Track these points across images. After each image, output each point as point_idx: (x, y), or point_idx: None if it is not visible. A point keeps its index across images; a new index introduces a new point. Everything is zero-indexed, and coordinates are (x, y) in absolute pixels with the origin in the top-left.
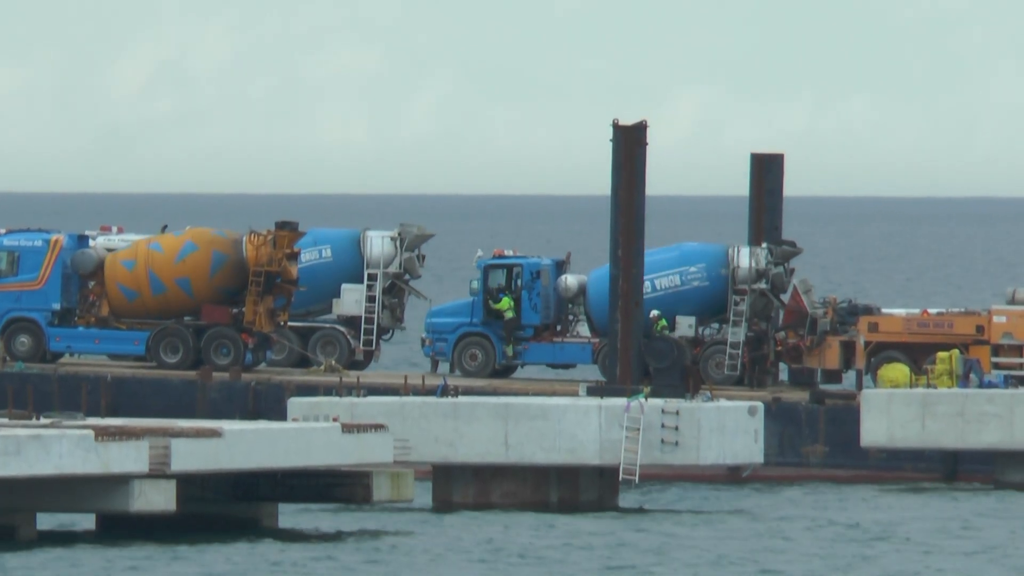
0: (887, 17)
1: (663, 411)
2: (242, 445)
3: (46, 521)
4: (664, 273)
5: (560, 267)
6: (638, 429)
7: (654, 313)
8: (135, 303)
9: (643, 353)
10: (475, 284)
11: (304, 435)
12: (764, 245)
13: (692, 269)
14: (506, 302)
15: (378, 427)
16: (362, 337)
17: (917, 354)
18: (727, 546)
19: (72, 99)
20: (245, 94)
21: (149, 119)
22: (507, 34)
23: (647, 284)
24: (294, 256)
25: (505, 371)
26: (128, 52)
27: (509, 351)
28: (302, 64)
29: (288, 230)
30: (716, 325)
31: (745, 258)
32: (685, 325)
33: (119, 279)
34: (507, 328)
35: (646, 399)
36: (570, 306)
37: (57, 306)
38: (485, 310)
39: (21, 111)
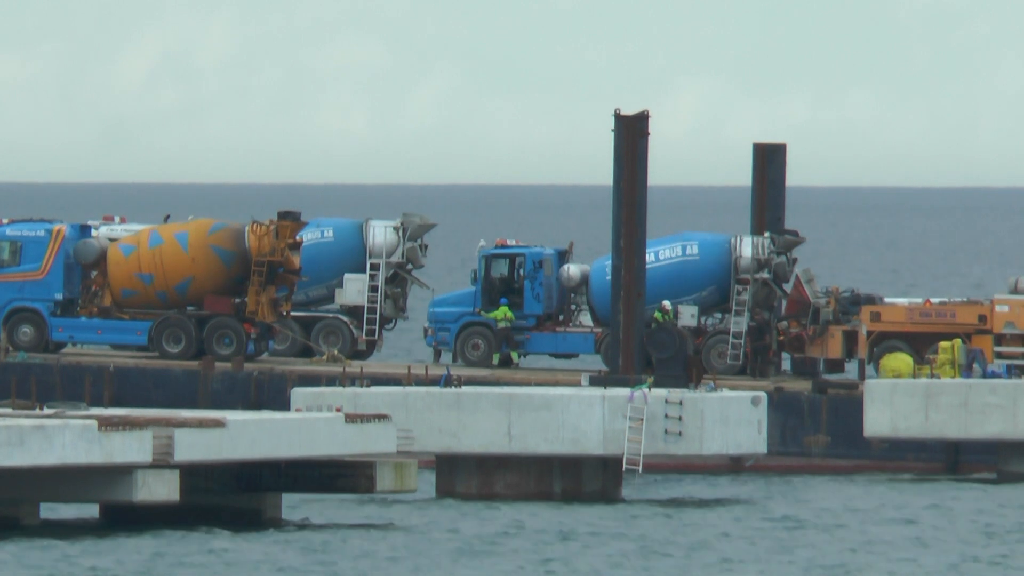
0: (890, 9)
1: (666, 401)
2: (246, 435)
3: (49, 511)
4: (666, 245)
5: (563, 257)
6: (641, 419)
7: (666, 304)
8: (130, 258)
9: (645, 343)
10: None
11: (307, 425)
12: (767, 235)
13: (693, 244)
14: (502, 311)
15: (381, 417)
16: (364, 327)
17: (919, 344)
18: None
19: (76, 91)
20: (248, 86)
21: (153, 111)
22: (510, 26)
23: (650, 255)
24: (296, 246)
25: (507, 361)
26: (132, 44)
27: (495, 360)
28: (305, 57)
29: (290, 220)
30: (718, 315)
31: (748, 248)
32: (687, 315)
33: (122, 240)
34: (497, 336)
35: (649, 389)
36: (572, 296)
37: (60, 296)
38: (486, 299)
39: (26, 102)
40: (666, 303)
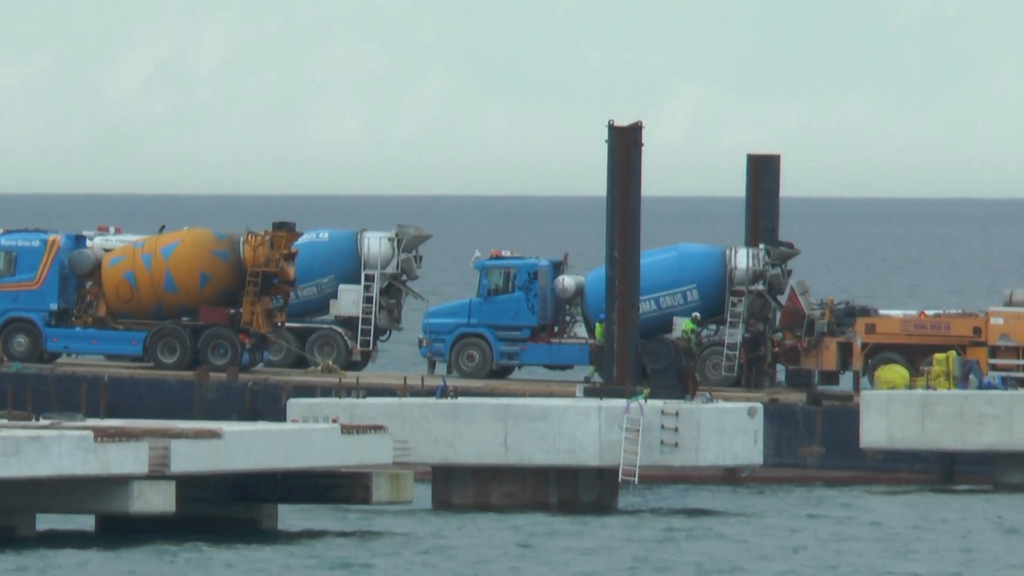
0: (884, 17)
1: (663, 412)
2: (242, 446)
3: (45, 522)
4: (668, 292)
5: (557, 268)
6: (638, 430)
7: (697, 316)
8: (128, 243)
9: (640, 354)
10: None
11: (304, 436)
12: (761, 246)
13: (692, 287)
14: (599, 328)
15: (377, 428)
16: (359, 338)
17: (914, 355)
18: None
19: (71, 98)
20: (245, 94)
21: (148, 119)
22: (505, 33)
23: (652, 304)
24: (291, 257)
25: (502, 372)
26: (127, 51)
27: (592, 373)
28: (302, 64)
29: (285, 230)
30: (713, 326)
31: (742, 259)
32: (682, 326)
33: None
34: (598, 354)
35: (645, 400)
36: (567, 307)
37: (54, 306)
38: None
39: (20, 110)
40: (696, 314)
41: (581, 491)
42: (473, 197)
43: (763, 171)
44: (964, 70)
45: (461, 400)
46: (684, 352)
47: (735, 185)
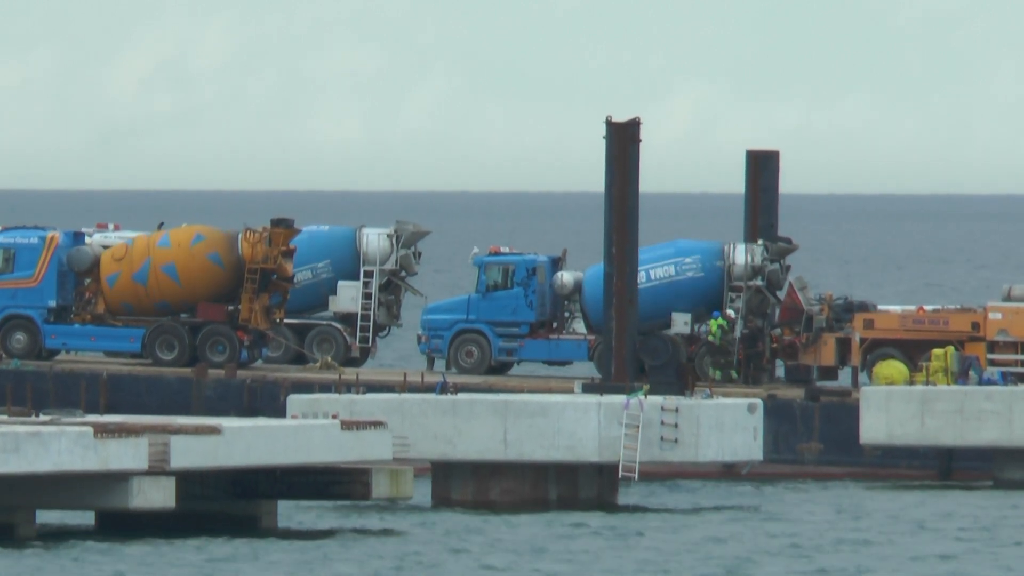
0: (884, 17)
1: (662, 408)
2: (241, 442)
3: (45, 518)
4: (659, 264)
5: (556, 264)
6: (637, 426)
7: (730, 313)
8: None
9: (638, 351)
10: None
11: (303, 432)
12: (760, 242)
13: (687, 260)
14: (714, 324)
15: (377, 424)
16: (358, 334)
17: (913, 351)
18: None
19: (71, 96)
20: (244, 92)
21: (148, 116)
22: (505, 33)
23: (642, 275)
24: (290, 253)
25: (501, 368)
26: (127, 51)
27: (717, 375)
28: (301, 62)
29: (283, 227)
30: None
31: (741, 255)
32: (680, 322)
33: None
34: (712, 352)
35: (645, 396)
36: (566, 303)
37: (53, 303)
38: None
39: (19, 108)
40: (730, 312)
41: (581, 487)
42: (472, 193)
43: (762, 167)
44: (964, 70)
45: (461, 396)
46: (719, 350)
47: (734, 181)
